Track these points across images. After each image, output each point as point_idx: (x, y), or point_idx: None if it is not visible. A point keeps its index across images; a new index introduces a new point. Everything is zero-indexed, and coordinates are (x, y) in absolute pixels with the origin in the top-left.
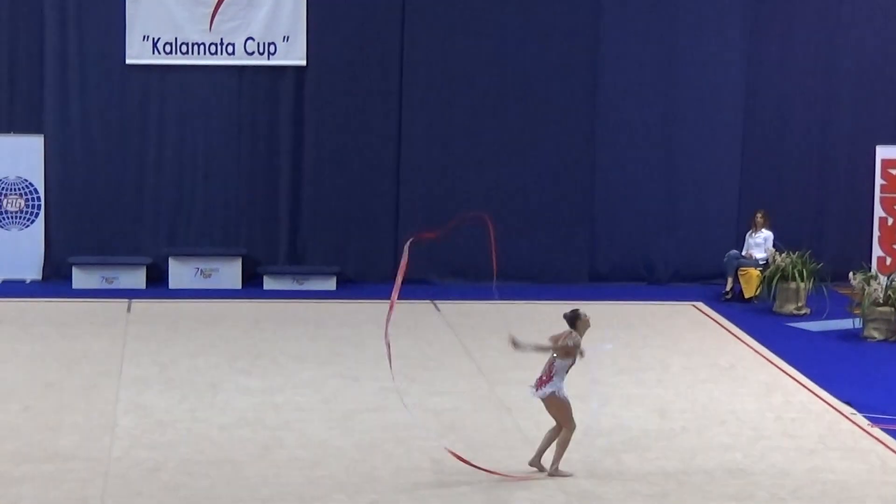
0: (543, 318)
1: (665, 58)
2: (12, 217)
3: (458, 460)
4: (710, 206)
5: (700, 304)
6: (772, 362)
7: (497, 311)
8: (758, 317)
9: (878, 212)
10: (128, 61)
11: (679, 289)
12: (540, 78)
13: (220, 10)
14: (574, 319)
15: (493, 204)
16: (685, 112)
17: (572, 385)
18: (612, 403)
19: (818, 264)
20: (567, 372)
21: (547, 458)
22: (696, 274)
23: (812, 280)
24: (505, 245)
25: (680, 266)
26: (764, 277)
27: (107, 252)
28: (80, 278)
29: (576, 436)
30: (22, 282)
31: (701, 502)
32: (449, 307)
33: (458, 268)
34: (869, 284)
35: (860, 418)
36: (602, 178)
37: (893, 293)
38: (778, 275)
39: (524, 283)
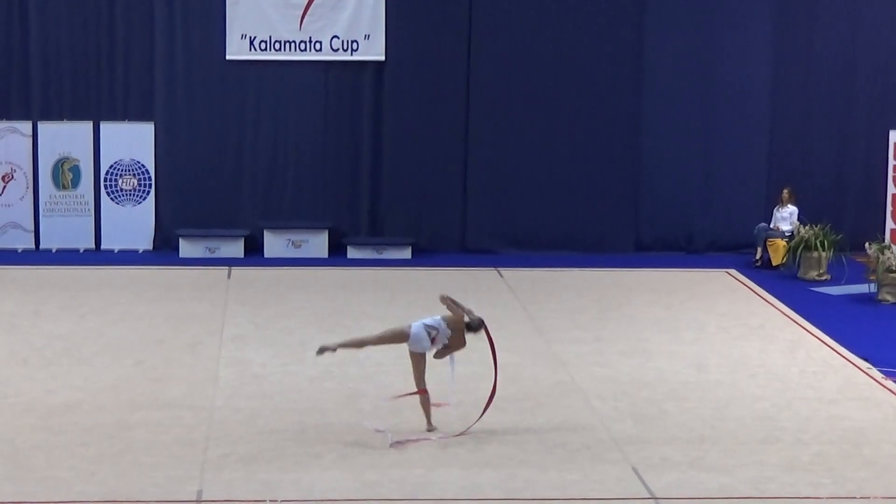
0: (594, 284)
1: (702, 50)
2: (127, 195)
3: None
4: (742, 183)
5: (733, 271)
6: (796, 322)
7: (553, 277)
8: (784, 282)
9: (892, 189)
10: (228, 57)
11: (714, 257)
12: (591, 69)
13: (308, 11)
14: (470, 326)
15: (547, 178)
16: (720, 100)
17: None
18: (656, 359)
19: (838, 235)
20: (447, 348)
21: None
22: (730, 244)
23: (832, 249)
24: (560, 218)
25: (715, 237)
26: (790, 247)
27: (209, 225)
28: (186, 248)
29: (623, 387)
30: (135, 252)
31: (733, 445)
32: (510, 274)
33: (518, 239)
34: (883, 254)
35: (875, 372)
36: (646, 159)
37: None
38: (802, 245)
39: (577, 252)
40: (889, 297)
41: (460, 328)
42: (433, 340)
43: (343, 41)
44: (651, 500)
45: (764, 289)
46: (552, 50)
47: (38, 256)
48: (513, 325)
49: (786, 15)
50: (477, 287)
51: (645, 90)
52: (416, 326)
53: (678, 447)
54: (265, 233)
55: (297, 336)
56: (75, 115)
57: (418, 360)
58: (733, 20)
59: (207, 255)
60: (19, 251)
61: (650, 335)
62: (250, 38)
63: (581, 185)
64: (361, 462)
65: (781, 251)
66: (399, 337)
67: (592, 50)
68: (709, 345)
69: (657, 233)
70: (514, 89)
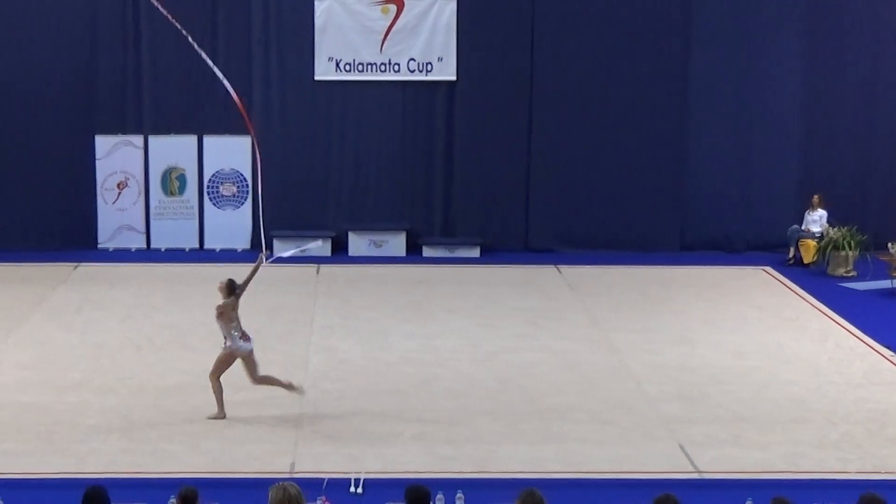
0: (643, 280)
1: (741, 65)
2: (227, 200)
3: None
4: (776, 189)
5: (768, 269)
6: (826, 314)
7: (607, 273)
8: (814, 278)
9: None
10: (316, 78)
11: (751, 256)
12: (640, 83)
13: (388, 37)
14: (233, 289)
15: (602, 184)
16: (756, 113)
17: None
18: (699, 347)
19: (863, 236)
20: (233, 331)
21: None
22: (765, 244)
23: (858, 249)
24: (613, 220)
25: (752, 238)
26: (819, 247)
27: (300, 227)
28: (280, 248)
29: (670, 372)
30: (234, 250)
31: (769, 424)
32: (568, 270)
33: (575, 239)
34: None
35: None
36: (690, 167)
37: None
38: (830, 245)
39: (628, 251)
40: None
41: (227, 307)
42: (242, 337)
43: (419, 63)
44: (696, 474)
45: (796, 284)
46: (606, 66)
47: (148, 255)
48: (571, 317)
49: (816, 31)
50: (538, 282)
51: (689, 102)
52: (231, 343)
53: (720, 426)
54: (349, 234)
55: (378, 326)
56: (182, 129)
57: (232, 360)
58: (769, 36)
59: (299, 253)
60: (132, 250)
61: (694, 326)
62: (336, 60)
63: (631, 190)
64: (437, 438)
65: (812, 250)
66: (230, 358)
67: (642, 65)
68: (747, 334)
69: (700, 234)
70: (572, 103)
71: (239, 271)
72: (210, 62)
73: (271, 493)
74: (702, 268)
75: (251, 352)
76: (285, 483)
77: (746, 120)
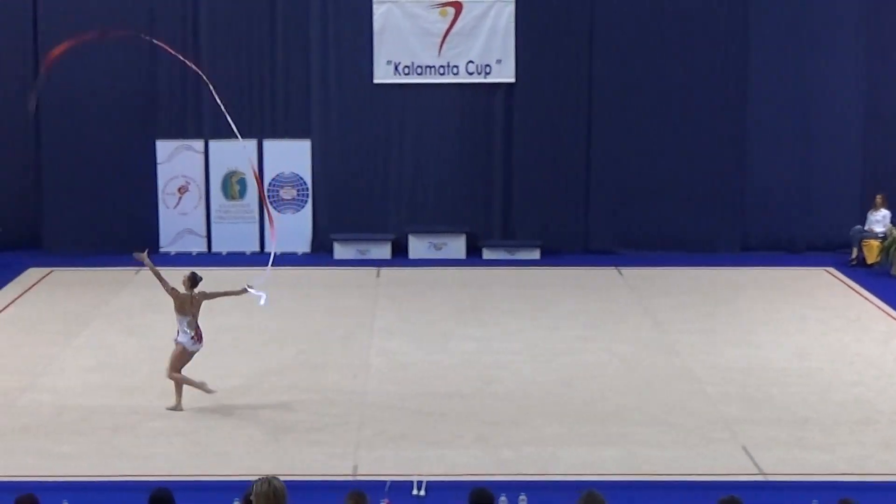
0: (704, 281)
1: (801, 64)
2: (287, 204)
3: None
4: (838, 189)
5: (831, 269)
6: (889, 315)
7: (667, 275)
8: (878, 279)
9: None
10: (375, 81)
11: (813, 257)
12: (700, 84)
13: (446, 39)
14: (195, 281)
15: (662, 185)
16: (818, 112)
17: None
18: (761, 348)
19: None
20: (186, 326)
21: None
22: (828, 245)
23: None
24: (673, 221)
25: (814, 238)
26: (883, 247)
27: (360, 230)
28: (340, 251)
29: (732, 373)
30: (295, 254)
31: (834, 426)
32: (629, 272)
33: (636, 240)
34: None
35: None
36: (751, 167)
37: None
38: (894, 245)
39: (688, 252)
40: None
41: (185, 297)
42: (195, 337)
43: (477, 65)
44: (759, 475)
45: (859, 285)
46: (664, 66)
47: (209, 258)
48: (632, 319)
49: (877, 29)
50: (599, 284)
51: (749, 102)
52: (182, 338)
53: (783, 428)
54: (410, 236)
55: (438, 328)
56: (242, 133)
57: (185, 356)
58: (829, 35)
59: (359, 256)
60: (194, 254)
61: (755, 327)
62: (395, 63)
63: (692, 191)
64: (498, 441)
65: (875, 251)
66: (183, 355)
67: (701, 65)
68: (809, 335)
69: (761, 234)
70: (631, 105)
71: (299, 274)
72: (193, 66)
73: (256, 486)
74: (763, 269)
75: (194, 353)
76: (270, 476)
77: (807, 119)
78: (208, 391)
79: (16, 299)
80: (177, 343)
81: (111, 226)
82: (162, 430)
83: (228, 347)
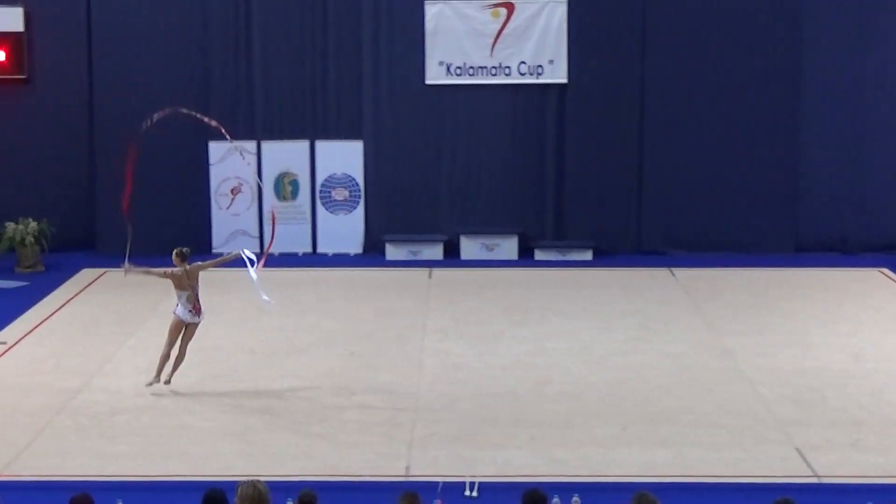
0: (757, 282)
1: (854, 63)
2: (339, 205)
3: None
4: (893, 188)
5: (885, 270)
6: None
7: (720, 276)
8: None
9: None
10: (427, 82)
11: (868, 257)
12: (752, 83)
13: (498, 40)
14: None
15: (715, 186)
16: (872, 110)
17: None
18: (815, 349)
19: None
20: (185, 300)
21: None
22: (882, 245)
23: None
24: (726, 221)
25: (868, 239)
26: None
27: (412, 231)
28: (392, 252)
29: (785, 375)
30: (347, 255)
31: (890, 428)
32: (682, 273)
33: (689, 241)
34: None
35: None
36: (804, 167)
37: None
38: None
39: (742, 253)
40: None
41: (181, 273)
42: (193, 310)
43: (529, 66)
44: (814, 478)
45: None
46: (717, 65)
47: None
48: (685, 320)
49: None
50: (652, 285)
51: (803, 102)
52: (178, 310)
53: (838, 430)
54: (461, 237)
55: (491, 329)
56: (294, 134)
57: (179, 327)
58: (883, 33)
59: (411, 257)
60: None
61: (809, 328)
62: (447, 64)
63: (745, 192)
64: (550, 441)
65: None
66: (177, 326)
67: (754, 65)
68: (864, 337)
69: (814, 235)
70: (683, 105)
71: (352, 275)
72: (223, 130)
73: (241, 490)
74: (817, 269)
75: (197, 324)
76: (255, 480)
77: (862, 119)
78: (165, 382)
79: (70, 300)
80: (174, 314)
81: (164, 227)
82: (215, 430)
83: (281, 348)
